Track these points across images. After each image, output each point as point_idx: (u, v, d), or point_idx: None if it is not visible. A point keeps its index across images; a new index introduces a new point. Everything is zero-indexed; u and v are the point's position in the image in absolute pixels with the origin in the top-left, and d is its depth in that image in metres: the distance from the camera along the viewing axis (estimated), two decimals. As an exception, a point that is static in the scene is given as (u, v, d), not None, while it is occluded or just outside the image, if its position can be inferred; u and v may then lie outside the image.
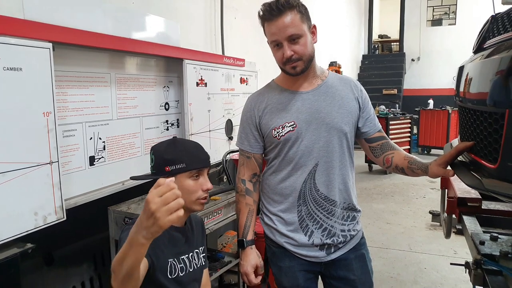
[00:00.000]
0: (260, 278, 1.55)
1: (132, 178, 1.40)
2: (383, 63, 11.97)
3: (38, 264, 1.88)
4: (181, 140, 1.33)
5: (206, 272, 1.47)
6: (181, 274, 1.27)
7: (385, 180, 6.56)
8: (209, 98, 2.70)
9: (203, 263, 1.41)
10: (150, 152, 1.31)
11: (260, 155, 1.56)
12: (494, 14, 1.29)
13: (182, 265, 1.28)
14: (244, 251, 1.54)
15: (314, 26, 1.44)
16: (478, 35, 1.34)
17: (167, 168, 1.24)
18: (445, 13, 13.01)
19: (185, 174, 1.25)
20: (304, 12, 1.38)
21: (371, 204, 5.20)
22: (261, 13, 1.38)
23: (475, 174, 1.06)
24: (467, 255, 3.39)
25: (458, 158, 1.26)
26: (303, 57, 1.38)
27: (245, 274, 1.51)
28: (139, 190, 2.17)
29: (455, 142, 1.54)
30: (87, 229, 2.10)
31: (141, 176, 1.40)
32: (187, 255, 1.32)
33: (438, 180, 1.51)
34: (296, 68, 1.40)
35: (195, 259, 1.36)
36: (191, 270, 1.32)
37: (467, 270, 1.31)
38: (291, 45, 1.36)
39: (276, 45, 1.39)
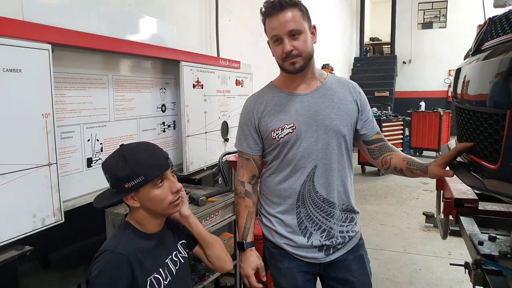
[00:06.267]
0: (264, 278, 1.56)
1: (96, 205, 1.21)
2: (375, 65, 12.04)
3: (34, 267, 1.86)
4: (129, 150, 1.18)
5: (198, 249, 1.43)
6: (165, 284, 1.21)
7: (378, 181, 6.60)
8: (205, 100, 2.69)
9: (182, 262, 1.32)
10: (103, 171, 1.18)
11: (259, 157, 1.56)
12: (491, 16, 1.32)
13: (158, 276, 1.20)
14: (244, 253, 1.53)
15: (314, 27, 1.46)
16: (476, 37, 1.36)
17: (127, 185, 1.14)
18: (436, 16, 13.14)
19: (148, 186, 1.16)
20: (305, 12, 1.41)
21: (365, 205, 5.22)
22: (263, 9, 1.40)
23: (475, 175, 1.07)
24: (462, 256, 3.46)
25: (457, 159, 1.28)
26: (302, 54, 1.39)
27: (246, 277, 1.51)
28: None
29: (452, 143, 1.56)
30: (83, 231, 2.08)
31: (106, 200, 1.20)
32: (165, 261, 1.26)
33: (431, 181, 1.52)
34: (295, 64, 1.39)
35: (173, 260, 1.29)
36: (171, 279, 1.24)
37: (467, 271, 1.32)
38: (291, 40, 1.37)
39: (276, 41, 1.40)
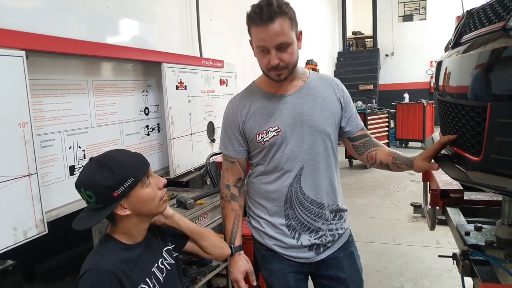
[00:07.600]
0: (254, 283, 1.54)
1: (79, 226, 1.12)
2: (358, 59, 12.13)
3: (18, 280, 1.81)
4: (107, 158, 1.13)
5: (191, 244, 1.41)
6: None
7: (366, 174, 6.66)
8: (189, 101, 2.66)
9: (169, 269, 1.28)
10: (81, 191, 1.10)
11: (244, 159, 1.54)
12: (469, 9, 1.32)
13: (146, 286, 1.17)
14: (233, 258, 1.52)
15: (300, 32, 1.41)
16: (455, 30, 1.37)
17: (116, 194, 1.08)
18: (416, 9, 13.30)
19: (138, 187, 1.12)
20: (293, 19, 1.33)
21: (354, 199, 5.26)
22: (250, 15, 1.32)
23: (459, 167, 1.08)
24: (449, 244, 3.51)
25: (441, 151, 1.28)
26: (289, 66, 1.36)
27: (235, 281, 1.49)
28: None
29: (436, 136, 1.57)
30: (69, 241, 2.04)
31: (91, 221, 1.12)
32: (152, 269, 1.22)
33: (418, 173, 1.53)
34: (281, 76, 1.37)
35: (160, 268, 1.26)
36: (158, 287, 1.22)
37: (455, 262, 1.33)
38: (279, 53, 1.32)
39: (262, 50, 1.35)
